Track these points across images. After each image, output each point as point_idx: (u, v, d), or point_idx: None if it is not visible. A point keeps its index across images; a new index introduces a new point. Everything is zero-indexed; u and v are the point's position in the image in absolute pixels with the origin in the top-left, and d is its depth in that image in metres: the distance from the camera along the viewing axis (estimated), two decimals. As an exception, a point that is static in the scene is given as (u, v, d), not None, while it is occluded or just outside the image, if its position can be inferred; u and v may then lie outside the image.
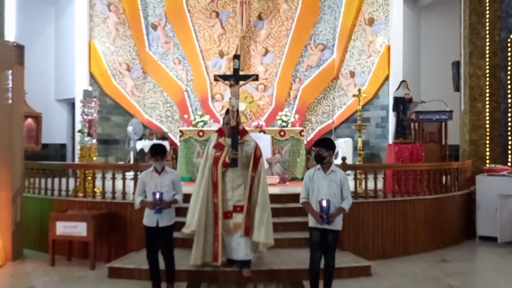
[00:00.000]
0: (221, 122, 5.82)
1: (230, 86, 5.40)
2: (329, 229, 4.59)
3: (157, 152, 5.08)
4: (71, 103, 12.84)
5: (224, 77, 5.79)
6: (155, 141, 11.43)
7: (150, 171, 5.15)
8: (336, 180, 4.65)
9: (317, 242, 4.64)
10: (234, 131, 5.14)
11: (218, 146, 5.29)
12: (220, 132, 5.54)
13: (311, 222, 4.67)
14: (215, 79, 5.85)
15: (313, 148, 4.76)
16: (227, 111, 5.43)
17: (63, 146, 13.15)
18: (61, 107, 13.19)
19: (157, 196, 4.87)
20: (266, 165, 6.65)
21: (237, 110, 5.26)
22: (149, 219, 5.06)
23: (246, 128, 5.94)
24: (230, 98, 5.29)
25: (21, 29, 11.30)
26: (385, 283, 5.64)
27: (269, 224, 5.25)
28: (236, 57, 5.72)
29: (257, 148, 5.26)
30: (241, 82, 5.55)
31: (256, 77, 5.78)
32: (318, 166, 4.73)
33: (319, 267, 4.71)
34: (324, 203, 4.44)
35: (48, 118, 11.14)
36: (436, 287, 5.52)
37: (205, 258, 5.27)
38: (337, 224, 4.65)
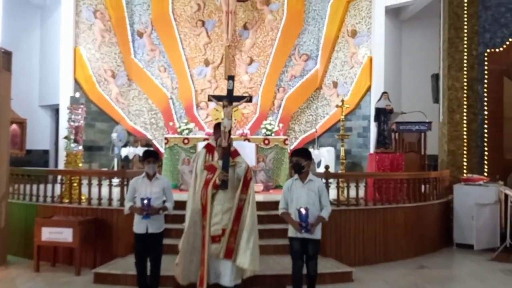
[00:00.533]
0: (211, 139, 5.55)
1: (223, 106, 5.26)
2: (309, 239, 4.64)
3: (150, 154, 5.16)
4: (55, 109, 12.79)
5: (218, 98, 5.71)
6: (139, 148, 11.48)
7: (141, 177, 5.20)
8: (314, 189, 4.73)
9: (298, 251, 4.72)
10: (225, 151, 5.00)
11: (210, 168, 5.06)
12: (208, 147, 5.34)
13: (291, 232, 4.74)
14: (209, 100, 5.87)
15: (292, 158, 4.84)
16: (216, 126, 5.30)
17: (46, 152, 13.09)
18: (44, 113, 13.14)
19: (145, 201, 4.92)
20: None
21: (229, 131, 5.09)
22: (138, 225, 5.10)
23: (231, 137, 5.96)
24: (222, 119, 5.15)
25: (5, 33, 11.26)
26: (367, 289, 5.82)
27: (255, 249, 4.99)
28: (230, 78, 5.59)
29: (248, 170, 5.12)
30: (234, 103, 5.42)
31: (249, 99, 5.75)
32: (296, 176, 4.82)
33: (301, 274, 4.79)
34: (303, 211, 4.48)
35: (32, 124, 11.02)
36: (415, 292, 5.73)
37: (190, 278, 5.04)
38: (317, 233, 4.70)
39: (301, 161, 4.74)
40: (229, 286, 4.98)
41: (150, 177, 5.17)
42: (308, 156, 4.81)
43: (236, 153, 5.20)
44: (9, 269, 6.48)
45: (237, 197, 4.97)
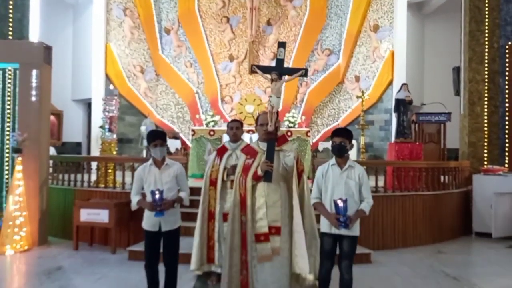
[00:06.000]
0: (227, 128, 5.14)
1: (272, 81, 4.26)
2: (345, 235, 3.91)
3: (157, 136, 4.25)
4: (87, 103, 13.38)
5: (265, 69, 4.47)
6: (167, 141, 11.93)
7: (148, 165, 4.31)
8: (354, 177, 3.97)
9: (330, 250, 3.99)
10: (271, 137, 4.01)
11: (250, 152, 4.18)
12: (219, 151, 4.94)
13: (324, 226, 4.01)
14: (253, 71, 4.46)
15: (333, 139, 4.04)
16: (257, 119, 4.35)
17: (78, 144, 13.68)
18: (77, 107, 13.73)
19: (157, 195, 4.04)
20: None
21: (277, 112, 4.11)
22: (149, 221, 4.23)
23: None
24: (270, 96, 4.19)
25: (40, 30, 11.82)
26: (384, 269, 6.08)
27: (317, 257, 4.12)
28: (281, 45, 4.32)
29: (298, 161, 4.17)
30: (285, 77, 4.30)
31: (304, 72, 4.37)
32: (333, 161, 4.07)
33: (329, 278, 4.05)
34: (340, 203, 3.79)
35: (65, 117, 11.72)
36: (432, 273, 5.93)
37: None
38: (355, 229, 3.94)
39: (345, 142, 3.96)
40: None
41: (159, 164, 4.28)
42: (351, 137, 4.05)
43: (283, 139, 4.24)
44: (50, 248, 7.01)
45: (294, 193, 4.03)
